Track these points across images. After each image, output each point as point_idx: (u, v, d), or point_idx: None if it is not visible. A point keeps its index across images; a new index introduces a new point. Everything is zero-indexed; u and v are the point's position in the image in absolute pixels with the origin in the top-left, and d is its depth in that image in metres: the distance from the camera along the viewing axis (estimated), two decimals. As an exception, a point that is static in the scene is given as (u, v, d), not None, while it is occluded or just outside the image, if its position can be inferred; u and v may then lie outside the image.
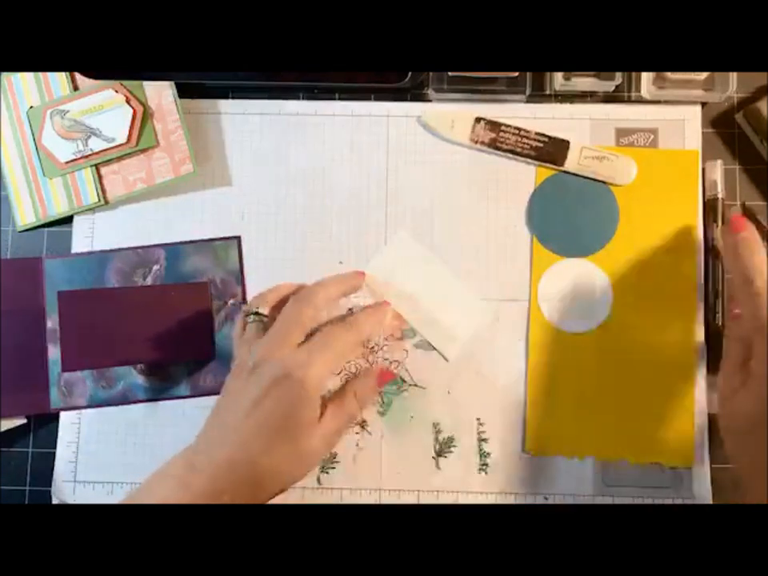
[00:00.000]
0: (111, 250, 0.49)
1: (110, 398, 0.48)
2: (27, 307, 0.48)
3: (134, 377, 0.48)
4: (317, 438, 0.40)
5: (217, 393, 0.45)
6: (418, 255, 0.48)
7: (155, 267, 0.49)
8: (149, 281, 0.49)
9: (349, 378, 0.47)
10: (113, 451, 0.48)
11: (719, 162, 0.48)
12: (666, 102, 0.49)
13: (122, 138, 0.48)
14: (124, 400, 0.48)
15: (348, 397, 0.43)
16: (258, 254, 0.49)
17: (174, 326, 0.47)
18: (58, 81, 0.49)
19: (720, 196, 0.48)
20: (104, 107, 0.48)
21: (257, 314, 0.43)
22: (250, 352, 0.42)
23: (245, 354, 0.42)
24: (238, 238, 0.49)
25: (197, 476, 0.37)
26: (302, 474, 0.40)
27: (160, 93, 0.49)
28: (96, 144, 0.48)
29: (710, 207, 0.48)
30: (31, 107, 0.49)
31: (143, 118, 0.48)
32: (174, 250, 0.49)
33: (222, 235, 0.49)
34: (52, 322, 0.48)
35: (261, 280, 0.49)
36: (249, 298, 0.49)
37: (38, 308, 0.48)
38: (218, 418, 0.41)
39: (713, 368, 0.47)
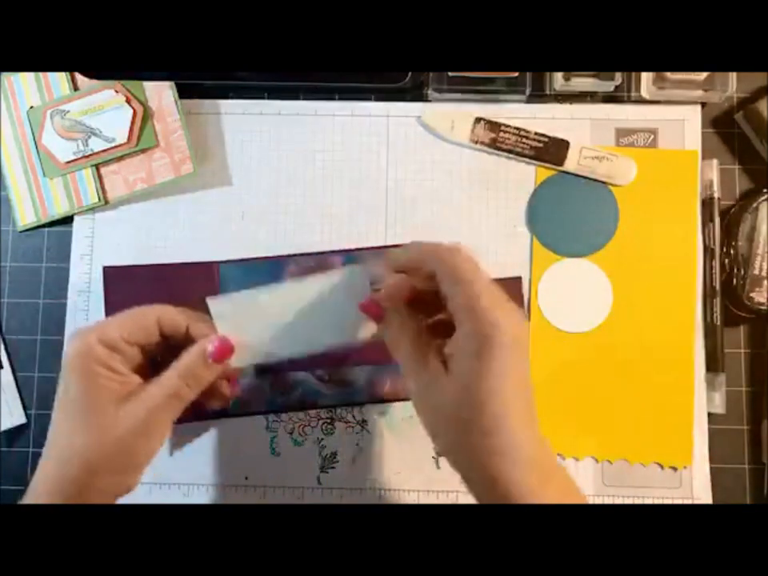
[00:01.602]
0: (287, 255, 0.49)
1: (288, 404, 0.48)
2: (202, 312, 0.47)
3: (311, 383, 0.48)
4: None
5: (395, 399, 0.43)
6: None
7: None
8: None
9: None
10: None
11: (715, 161, 0.48)
12: (666, 102, 0.49)
13: (121, 137, 0.48)
14: (302, 406, 0.48)
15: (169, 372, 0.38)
16: (257, 255, 0.49)
17: None
18: (58, 81, 0.49)
19: (716, 195, 0.48)
20: (104, 107, 0.48)
21: None
22: None
23: None
24: None
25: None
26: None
27: (160, 93, 0.49)
28: (96, 144, 0.48)
29: (706, 207, 0.48)
30: (31, 107, 0.49)
31: (143, 118, 0.48)
32: (350, 257, 0.48)
33: (221, 234, 0.49)
34: None
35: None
36: None
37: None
38: None
39: (712, 367, 0.47)
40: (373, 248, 0.49)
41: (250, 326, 0.40)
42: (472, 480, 0.36)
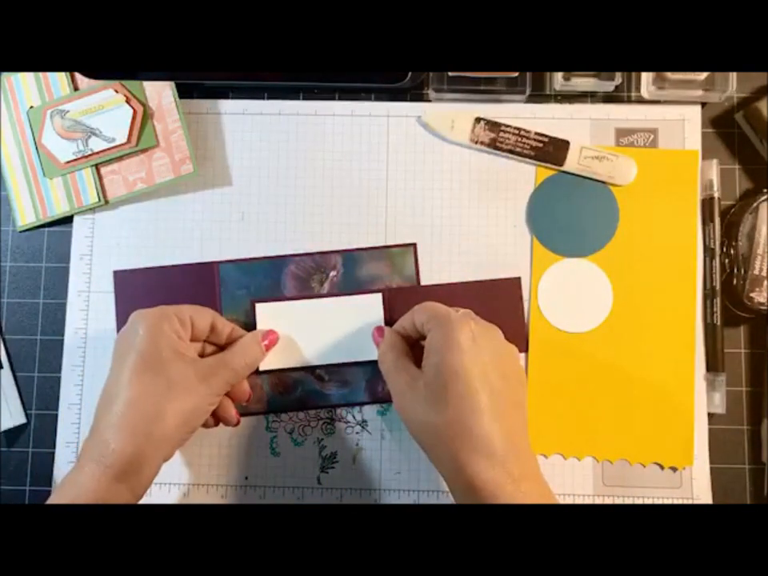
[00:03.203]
0: (287, 255, 0.49)
1: (288, 404, 0.48)
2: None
3: (311, 383, 0.48)
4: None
5: None
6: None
7: (332, 273, 0.48)
8: (326, 287, 0.48)
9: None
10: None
11: (715, 161, 0.48)
12: (666, 102, 0.49)
13: (121, 138, 0.48)
14: (302, 406, 0.48)
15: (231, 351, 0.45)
16: (257, 255, 0.49)
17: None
18: (58, 81, 0.49)
19: (716, 195, 0.48)
20: (104, 107, 0.48)
21: None
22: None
23: None
24: (414, 245, 0.49)
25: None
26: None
27: (160, 93, 0.49)
28: (96, 144, 0.48)
29: (706, 207, 0.48)
30: (31, 107, 0.49)
31: (143, 118, 0.48)
32: (350, 256, 0.48)
33: (221, 234, 0.49)
34: None
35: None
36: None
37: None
38: None
39: (712, 367, 0.47)
40: (373, 248, 0.49)
41: (285, 331, 0.47)
42: (447, 478, 0.37)
